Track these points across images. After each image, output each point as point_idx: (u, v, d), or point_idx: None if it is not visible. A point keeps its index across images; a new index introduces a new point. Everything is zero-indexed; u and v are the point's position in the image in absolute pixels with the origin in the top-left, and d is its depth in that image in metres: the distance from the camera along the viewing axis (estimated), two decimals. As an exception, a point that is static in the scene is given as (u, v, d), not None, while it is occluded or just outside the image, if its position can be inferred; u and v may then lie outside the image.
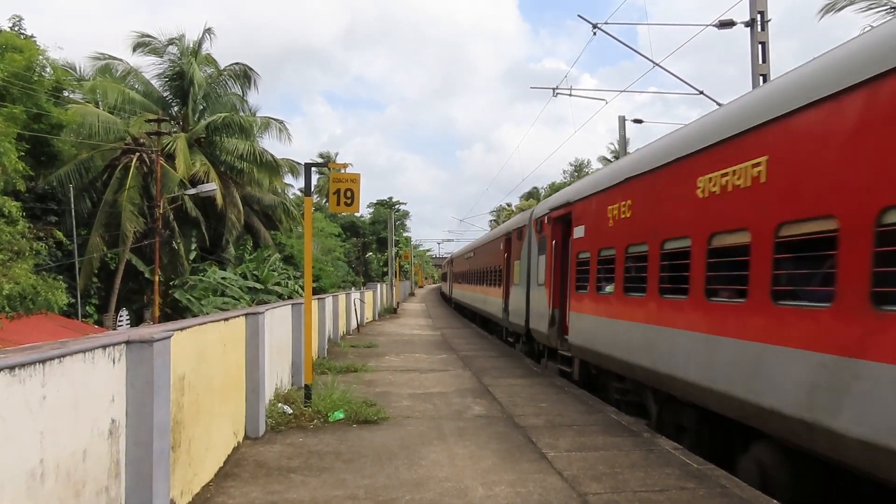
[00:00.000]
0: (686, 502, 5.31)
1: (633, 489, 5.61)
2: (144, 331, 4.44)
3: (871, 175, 4.56)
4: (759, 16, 13.98)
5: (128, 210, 26.22)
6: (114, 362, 3.82)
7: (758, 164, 5.85)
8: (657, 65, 15.72)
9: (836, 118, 5.01)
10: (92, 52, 31.64)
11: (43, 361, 3.03)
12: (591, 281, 10.17)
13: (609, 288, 9.48)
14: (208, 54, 33.49)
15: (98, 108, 28.23)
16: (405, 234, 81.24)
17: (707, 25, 14.74)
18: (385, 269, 56.91)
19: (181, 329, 5.00)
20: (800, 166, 5.35)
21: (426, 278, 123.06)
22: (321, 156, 68.91)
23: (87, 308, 26.16)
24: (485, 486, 5.70)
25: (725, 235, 6.37)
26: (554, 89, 19.38)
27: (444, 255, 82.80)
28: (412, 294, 67.74)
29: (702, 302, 6.65)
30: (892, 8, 17.62)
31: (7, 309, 16.97)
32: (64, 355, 3.23)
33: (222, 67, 33.86)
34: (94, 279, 26.77)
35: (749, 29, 14.05)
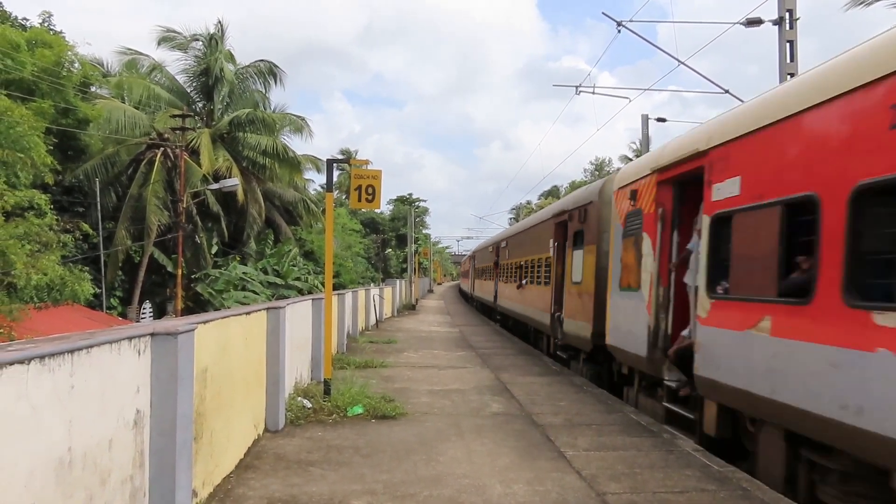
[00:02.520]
0: (706, 505, 5.25)
1: (652, 490, 5.57)
2: (169, 323, 4.51)
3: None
4: (787, 14, 13.74)
5: (152, 204, 26.60)
6: (139, 354, 3.88)
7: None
8: (682, 63, 15.55)
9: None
10: (118, 46, 32.06)
11: (72, 351, 3.09)
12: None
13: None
14: (228, 50, 33.85)
15: (124, 103, 28.68)
16: (424, 231, 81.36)
17: (734, 24, 14.53)
18: (404, 266, 57.07)
19: (204, 322, 5.07)
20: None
21: (445, 276, 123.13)
22: (342, 152, 69.26)
23: (112, 300, 26.61)
24: (503, 483, 5.70)
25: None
26: (577, 87, 19.26)
27: (464, 252, 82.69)
28: (431, 291, 67.83)
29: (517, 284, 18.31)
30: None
31: (35, 299, 17.32)
32: (92, 346, 3.29)
33: (247, 64, 34.20)
34: (119, 272, 27.23)
35: (777, 27, 13.83)
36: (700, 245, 7.27)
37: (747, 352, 6.07)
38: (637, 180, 9.48)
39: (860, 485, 4.97)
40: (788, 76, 13.38)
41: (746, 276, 6.27)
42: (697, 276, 7.26)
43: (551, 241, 15.56)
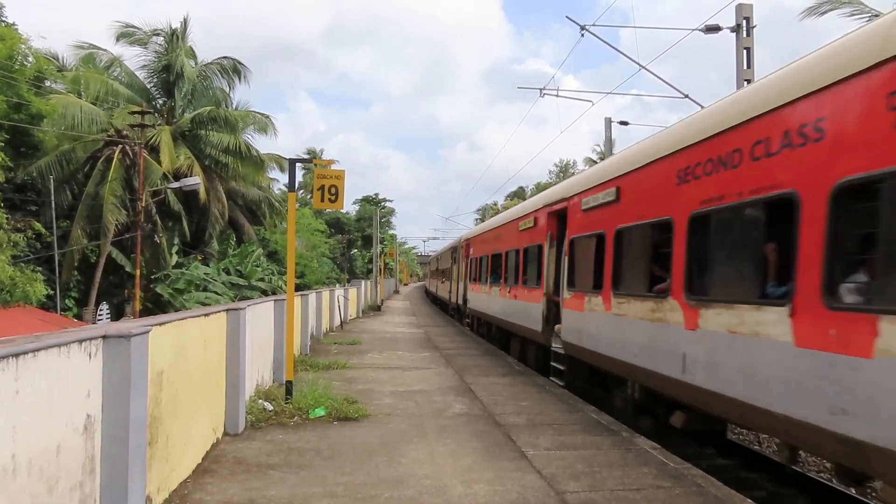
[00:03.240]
0: (662, 501, 5.36)
1: (610, 488, 5.66)
2: (122, 325, 4.40)
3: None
4: (744, 21, 14.13)
5: (110, 203, 25.91)
6: (90, 357, 3.78)
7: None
8: (643, 67, 15.83)
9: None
10: (75, 40, 31.15)
11: (17, 355, 2.99)
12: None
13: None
14: (190, 46, 33.20)
15: (81, 98, 27.86)
16: (390, 232, 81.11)
17: (693, 30, 14.88)
18: (370, 267, 56.79)
19: (160, 324, 4.96)
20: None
21: (411, 276, 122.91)
22: (308, 151, 68.61)
23: (67, 301, 25.83)
24: (464, 483, 5.72)
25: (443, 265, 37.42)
26: (541, 90, 19.47)
27: (430, 253, 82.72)
28: (396, 292, 67.64)
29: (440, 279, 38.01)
30: (875, 15, 17.87)
31: (-16, 301, 16.72)
32: (38, 349, 3.19)
33: (209, 61, 33.58)
34: (74, 272, 26.43)
35: (734, 34, 14.20)
36: (471, 265, 23.16)
37: (475, 297, 21.55)
38: (463, 241, 25.72)
39: (483, 326, 20.67)
40: (745, 82, 13.76)
41: (475, 275, 21.74)
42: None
43: (450, 259, 31.53)
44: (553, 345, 11.67)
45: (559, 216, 11.86)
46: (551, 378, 11.64)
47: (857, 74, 4.64)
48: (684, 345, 6.64)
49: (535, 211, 13.55)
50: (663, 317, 7.12)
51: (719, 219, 6.30)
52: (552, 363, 11.72)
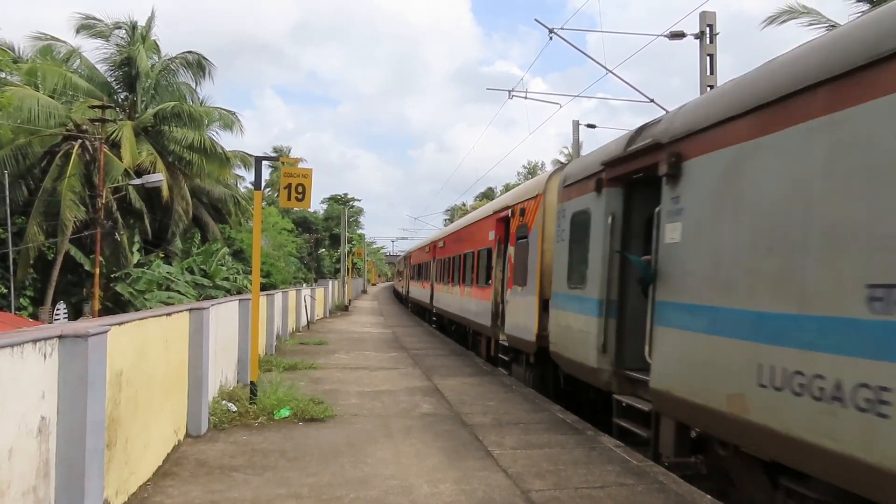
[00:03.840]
0: (625, 498, 5.45)
1: (574, 486, 5.73)
2: (79, 325, 4.28)
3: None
4: (708, 28, 14.45)
5: (68, 199, 25.14)
6: (45, 357, 3.67)
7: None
8: (610, 71, 16.05)
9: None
10: (32, 31, 30.21)
11: (-34, 355, 2.89)
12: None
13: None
14: (154, 41, 32.45)
15: (38, 91, 26.99)
16: (359, 232, 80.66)
17: (658, 35, 15.14)
18: (337, 266, 56.36)
19: (119, 324, 4.85)
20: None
21: (379, 276, 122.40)
22: (275, 149, 67.81)
23: (22, 300, 25.02)
24: (430, 483, 5.72)
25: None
26: (510, 91, 19.60)
27: (399, 253, 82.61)
28: (364, 292, 67.30)
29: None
30: (831, 25, 18.45)
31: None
32: (-10, 349, 3.08)
33: (173, 56, 32.86)
34: (30, 270, 25.60)
35: (698, 41, 14.51)
36: (411, 269, 38.20)
37: (412, 290, 35.88)
38: (409, 253, 44.98)
39: (415, 307, 34.91)
40: (708, 87, 14.07)
41: (412, 276, 36.69)
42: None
43: (402, 264, 50.31)
44: (433, 310, 24.19)
45: (435, 247, 24.38)
46: (433, 326, 24.16)
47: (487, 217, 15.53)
48: (461, 301, 17.66)
49: (429, 244, 28.52)
50: (452, 291, 18.88)
51: (468, 255, 17.08)
52: (433, 318, 24.60)
